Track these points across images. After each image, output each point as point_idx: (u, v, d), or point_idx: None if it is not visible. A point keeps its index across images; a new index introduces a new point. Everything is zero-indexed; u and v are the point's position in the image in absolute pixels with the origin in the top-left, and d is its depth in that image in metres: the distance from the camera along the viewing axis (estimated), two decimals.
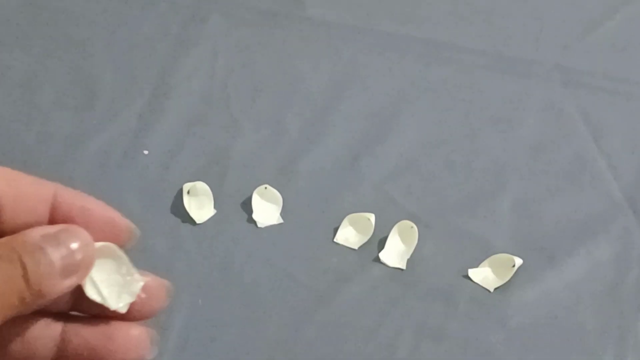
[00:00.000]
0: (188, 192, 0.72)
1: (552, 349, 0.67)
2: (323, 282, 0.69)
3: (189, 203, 0.72)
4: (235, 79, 0.81)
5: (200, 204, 0.72)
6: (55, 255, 0.33)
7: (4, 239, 0.33)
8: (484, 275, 0.70)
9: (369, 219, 0.71)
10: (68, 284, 0.33)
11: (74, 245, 0.33)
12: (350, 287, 0.69)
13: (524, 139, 0.78)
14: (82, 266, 0.34)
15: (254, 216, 0.72)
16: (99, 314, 0.36)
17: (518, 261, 0.69)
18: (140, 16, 0.84)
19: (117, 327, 0.36)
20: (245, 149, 0.76)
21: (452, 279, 0.70)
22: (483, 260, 0.70)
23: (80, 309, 0.36)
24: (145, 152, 0.75)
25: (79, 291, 0.35)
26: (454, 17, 0.86)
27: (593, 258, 0.71)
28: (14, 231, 0.34)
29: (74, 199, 0.35)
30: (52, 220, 0.35)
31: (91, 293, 0.35)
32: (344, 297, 0.68)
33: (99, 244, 0.35)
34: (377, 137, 0.77)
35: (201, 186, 0.72)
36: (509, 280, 0.69)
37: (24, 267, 0.32)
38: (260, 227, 0.71)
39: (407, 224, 0.71)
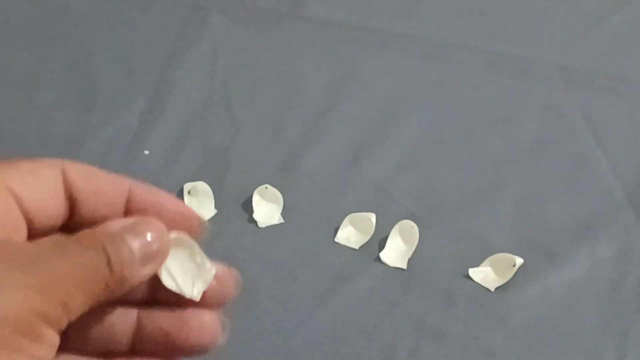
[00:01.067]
0: (189, 192, 0.72)
1: (552, 348, 0.67)
2: (323, 282, 0.69)
3: (189, 203, 0.72)
4: (235, 78, 0.81)
5: (200, 204, 0.72)
6: (135, 244, 0.34)
7: (86, 230, 0.35)
8: (484, 274, 0.70)
9: (369, 219, 0.71)
10: (147, 271, 0.35)
11: (151, 236, 0.35)
12: (350, 286, 0.69)
13: (524, 138, 0.78)
14: (159, 255, 0.36)
15: (255, 216, 0.72)
16: (173, 302, 0.37)
17: (519, 261, 0.69)
18: (141, 16, 0.84)
19: (190, 313, 0.37)
20: (246, 148, 0.76)
21: (452, 279, 0.70)
22: (484, 259, 0.70)
23: (155, 297, 0.38)
24: (146, 152, 0.75)
25: (153, 281, 0.36)
26: (454, 16, 0.86)
27: (594, 257, 0.71)
28: (92, 225, 0.36)
29: (147, 193, 0.38)
30: (127, 214, 0.37)
31: (167, 281, 0.36)
32: (344, 297, 0.68)
33: (173, 235, 0.37)
34: (377, 137, 0.77)
35: (202, 186, 0.72)
36: (509, 280, 0.69)
37: (107, 255, 0.33)
38: (261, 227, 0.71)
39: (407, 223, 0.71)
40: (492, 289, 0.69)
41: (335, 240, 0.71)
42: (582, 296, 0.69)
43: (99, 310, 0.36)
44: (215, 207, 0.72)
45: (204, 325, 0.37)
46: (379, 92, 0.81)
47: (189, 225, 0.38)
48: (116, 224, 0.35)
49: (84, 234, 0.34)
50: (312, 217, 0.72)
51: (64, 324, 0.32)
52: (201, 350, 0.37)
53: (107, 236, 0.34)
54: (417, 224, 0.71)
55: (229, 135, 0.77)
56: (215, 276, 0.38)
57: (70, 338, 0.35)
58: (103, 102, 0.78)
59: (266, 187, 0.72)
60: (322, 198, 0.73)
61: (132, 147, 0.75)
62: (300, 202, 0.73)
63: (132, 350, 0.37)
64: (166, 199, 0.38)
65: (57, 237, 0.36)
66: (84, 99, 0.79)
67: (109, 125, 0.77)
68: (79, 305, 0.33)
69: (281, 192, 0.72)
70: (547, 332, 0.67)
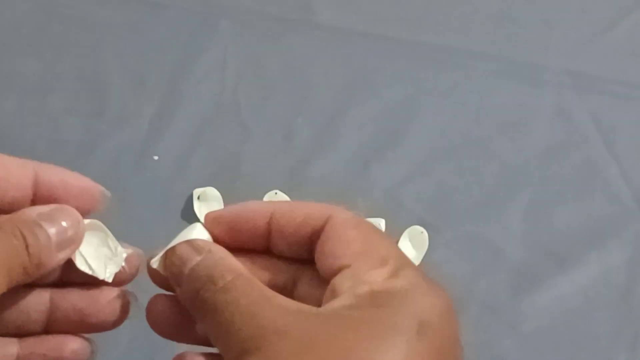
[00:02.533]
0: (198, 198, 0.72)
1: (563, 355, 0.67)
2: None
3: (199, 208, 0.72)
4: (245, 84, 0.81)
5: (210, 210, 0.72)
6: (51, 230, 0.37)
7: (4, 217, 0.37)
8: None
9: (379, 224, 0.71)
10: (62, 256, 0.37)
11: (66, 223, 0.37)
12: None
13: (534, 144, 0.78)
14: (74, 240, 0.38)
15: None
16: (85, 283, 0.39)
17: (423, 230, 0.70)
18: (151, 22, 0.84)
19: (100, 291, 0.40)
20: (256, 154, 0.76)
21: (463, 285, 0.69)
22: (494, 265, 0.70)
23: (67, 279, 0.40)
24: (156, 157, 0.75)
25: (66, 264, 0.39)
26: (464, 22, 0.86)
27: (604, 263, 0.71)
28: (1, 208, 0.38)
29: (52, 173, 0.39)
30: (36, 195, 0.39)
31: (81, 265, 0.39)
32: None
33: (86, 221, 0.39)
34: (387, 143, 0.77)
35: (211, 192, 0.72)
36: (520, 285, 0.69)
37: (25, 241, 0.35)
38: None
39: (417, 229, 0.71)
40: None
41: None
42: (593, 302, 0.69)
43: (13, 292, 0.37)
44: None
45: (114, 301, 0.40)
46: (389, 99, 0.80)
47: (92, 198, 0.40)
48: (33, 211, 0.37)
49: (2, 220, 0.36)
50: None
51: None
52: (112, 324, 0.40)
53: (25, 223, 0.36)
54: (427, 230, 0.71)
55: (239, 141, 0.77)
56: (125, 258, 0.40)
57: None
58: (113, 108, 0.79)
59: (276, 193, 0.72)
60: (332, 203, 0.73)
61: (142, 153, 0.75)
62: None
63: (47, 329, 0.40)
64: (69, 176, 0.40)
65: None
66: (95, 106, 0.79)
67: (119, 132, 0.77)
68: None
69: (291, 198, 0.72)
70: (558, 338, 0.67)
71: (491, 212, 0.74)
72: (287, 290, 0.39)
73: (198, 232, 0.39)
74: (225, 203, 0.72)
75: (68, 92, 0.80)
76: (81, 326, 0.40)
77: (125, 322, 0.41)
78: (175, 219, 0.72)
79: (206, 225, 0.40)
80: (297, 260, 0.40)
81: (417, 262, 0.70)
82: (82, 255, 0.39)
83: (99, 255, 0.39)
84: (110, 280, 0.39)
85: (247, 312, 0.34)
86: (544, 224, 0.73)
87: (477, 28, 0.86)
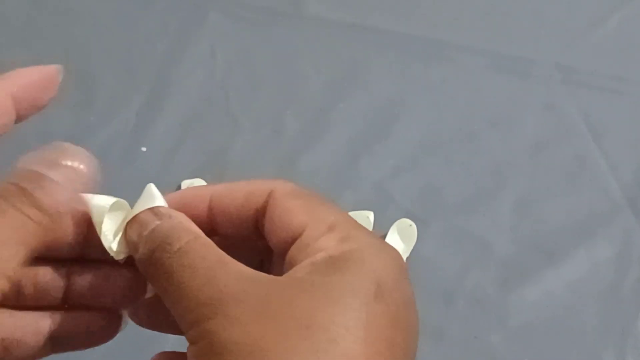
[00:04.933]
0: None
1: (552, 349, 0.67)
2: None
3: None
4: (234, 77, 0.80)
5: None
6: (54, 174, 0.36)
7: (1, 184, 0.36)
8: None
9: (367, 217, 0.71)
10: (77, 194, 0.37)
11: (69, 161, 0.37)
12: None
13: (523, 138, 0.78)
14: (84, 174, 0.37)
15: None
16: (102, 260, 0.38)
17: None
18: (139, 14, 0.84)
19: (117, 269, 0.38)
20: (244, 147, 0.76)
21: (451, 278, 0.69)
22: (483, 259, 0.70)
23: (86, 256, 0.39)
24: (144, 149, 0.75)
25: (84, 240, 0.38)
26: (454, 16, 0.86)
27: (593, 258, 0.71)
28: None
29: (18, 80, 0.39)
30: (16, 101, 0.39)
31: (104, 240, 0.37)
32: None
33: (112, 200, 0.38)
34: (376, 136, 0.77)
35: (200, 183, 0.72)
36: (509, 279, 0.69)
37: (28, 196, 0.35)
38: None
39: (405, 222, 0.71)
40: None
41: None
42: (582, 297, 0.69)
43: (32, 268, 0.37)
44: None
45: (129, 282, 0.38)
46: (379, 92, 0.80)
47: (50, 79, 0.40)
48: (29, 164, 0.36)
49: (13, 190, 0.35)
50: None
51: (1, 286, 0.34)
52: (128, 302, 0.39)
53: (25, 178, 0.35)
54: (416, 223, 0.71)
55: (228, 133, 0.77)
56: None
57: (5, 295, 0.36)
58: (101, 100, 0.78)
59: None
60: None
61: (131, 145, 0.75)
62: None
63: (66, 302, 0.39)
64: (26, 75, 0.40)
65: None
66: (83, 98, 0.79)
67: (108, 123, 0.77)
68: (15, 257, 0.34)
69: None
70: (546, 332, 0.67)
71: (480, 206, 0.74)
72: None
73: (159, 201, 0.38)
74: None
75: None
76: (97, 302, 0.39)
77: None
78: None
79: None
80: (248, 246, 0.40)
81: (405, 255, 0.70)
82: (105, 232, 0.38)
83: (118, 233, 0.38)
84: (122, 260, 0.38)
85: (205, 275, 0.33)
86: (533, 218, 0.73)
87: (467, 22, 0.86)
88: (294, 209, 0.37)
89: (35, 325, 0.38)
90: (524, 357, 0.66)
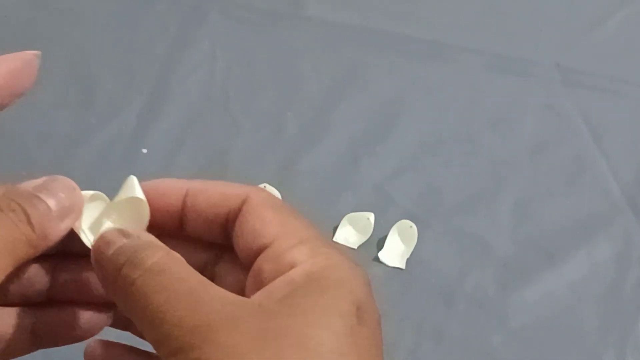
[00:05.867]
0: None
1: (552, 349, 0.67)
2: None
3: None
4: (234, 78, 0.80)
5: None
6: (50, 201, 0.36)
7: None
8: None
9: (368, 219, 0.71)
10: (64, 226, 0.36)
11: (62, 193, 0.36)
12: None
13: (523, 139, 0.78)
14: (73, 210, 0.37)
15: None
16: (85, 254, 0.37)
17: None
18: (139, 15, 0.84)
19: None
20: (245, 148, 0.76)
21: (452, 279, 0.69)
22: (483, 260, 0.70)
23: (68, 250, 0.39)
24: (144, 150, 0.75)
25: (66, 235, 0.37)
26: (454, 17, 0.86)
27: (593, 258, 0.71)
28: None
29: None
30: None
31: (82, 236, 0.37)
32: None
33: (89, 193, 0.38)
34: (376, 137, 0.77)
35: None
36: (509, 280, 0.69)
37: (26, 214, 0.34)
38: None
39: (406, 223, 0.71)
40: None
41: (334, 239, 0.71)
42: (582, 297, 0.69)
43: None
44: None
45: None
46: (379, 93, 0.80)
47: (29, 65, 0.40)
48: (28, 185, 0.36)
49: None
50: (310, 216, 0.71)
51: None
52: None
53: (21, 196, 0.35)
54: (416, 224, 0.71)
55: (228, 135, 0.77)
56: None
57: None
58: (102, 101, 0.78)
59: (265, 186, 0.72)
60: (321, 198, 0.73)
61: (131, 147, 0.75)
62: (299, 202, 0.72)
63: (50, 297, 0.39)
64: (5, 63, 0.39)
65: None
66: (83, 99, 0.79)
67: (108, 125, 0.77)
68: (3, 268, 0.33)
69: (280, 192, 0.72)
70: (546, 333, 0.67)
71: (480, 206, 0.74)
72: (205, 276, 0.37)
73: (139, 193, 0.38)
74: None
75: (57, 85, 0.80)
76: (81, 297, 0.39)
77: None
78: None
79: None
80: (212, 245, 0.39)
81: (406, 256, 0.70)
82: (82, 227, 0.37)
83: (100, 227, 0.38)
84: None
85: (188, 300, 0.32)
86: (533, 219, 0.73)
87: (467, 22, 0.86)
88: (267, 218, 0.37)
89: (19, 321, 0.38)
90: (525, 358, 0.66)
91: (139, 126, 0.76)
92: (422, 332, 0.67)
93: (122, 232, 0.36)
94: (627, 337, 0.67)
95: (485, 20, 0.86)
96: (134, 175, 0.39)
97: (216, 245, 0.39)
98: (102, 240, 0.36)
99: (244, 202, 0.38)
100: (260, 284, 0.35)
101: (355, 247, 0.70)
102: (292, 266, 0.35)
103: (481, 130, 0.78)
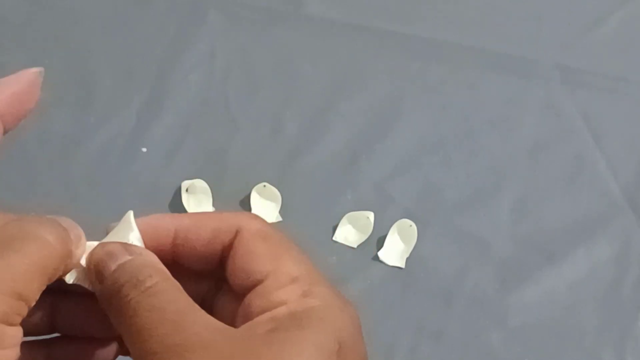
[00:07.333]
0: (187, 190, 0.72)
1: (552, 349, 0.67)
2: None
3: (187, 201, 0.71)
4: (233, 77, 0.80)
5: (198, 202, 0.72)
6: (64, 225, 0.35)
7: (28, 217, 0.35)
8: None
9: (368, 218, 0.71)
10: (80, 251, 0.36)
11: (69, 225, 0.36)
12: (348, 285, 0.68)
13: (523, 138, 0.78)
14: (81, 238, 0.36)
15: None
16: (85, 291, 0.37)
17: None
18: (139, 15, 0.84)
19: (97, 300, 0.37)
20: (244, 147, 0.76)
21: (451, 278, 0.69)
22: (482, 259, 0.70)
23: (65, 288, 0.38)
24: (144, 149, 0.75)
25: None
26: (454, 16, 0.86)
27: (593, 258, 0.71)
28: None
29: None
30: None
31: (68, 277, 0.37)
32: None
33: (93, 243, 0.37)
34: (376, 136, 0.77)
35: (200, 184, 0.72)
36: (508, 280, 0.69)
37: (55, 230, 0.34)
38: None
39: (406, 222, 0.71)
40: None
41: (334, 239, 0.71)
42: (581, 296, 0.69)
43: None
44: (214, 205, 0.72)
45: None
46: (378, 92, 0.80)
47: (32, 85, 0.40)
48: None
49: (28, 220, 0.35)
50: (310, 215, 0.72)
51: (23, 313, 0.33)
52: (114, 332, 0.37)
53: (43, 221, 0.35)
54: (415, 223, 0.71)
55: (228, 134, 0.77)
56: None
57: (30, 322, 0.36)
58: (101, 100, 0.78)
59: (264, 186, 0.72)
60: (321, 197, 0.73)
61: (131, 146, 0.75)
62: (299, 201, 0.73)
63: (53, 332, 0.39)
64: (8, 86, 0.38)
65: None
66: (83, 98, 0.79)
67: (108, 124, 0.77)
68: (36, 289, 0.33)
69: (279, 191, 0.72)
70: (545, 332, 0.67)
71: (480, 206, 0.74)
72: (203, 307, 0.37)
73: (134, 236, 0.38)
74: (214, 195, 0.72)
75: (56, 84, 0.79)
76: (84, 333, 0.39)
77: None
78: (164, 211, 0.71)
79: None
80: (212, 274, 0.39)
81: (406, 255, 0.70)
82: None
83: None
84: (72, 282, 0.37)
85: (173, 320, 0.33)
86: (532, 219, 0.73)
87: (467, 22, 0.86)
88: (258, 253, 0.36)
89: (29, 355, 0.37)
90: (524, 357, 0.66)
91: (139, 125, 0.76)
92: (421, 331, 0.67)
93: (126, 248, 0.36)
94: (627, 337, 0.67)
95: (485, 19, 0.86)
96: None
97: (216, 273, 0.39)
98: (106, 253, 0.36)
99: (235, 235, 0.37)
100: (247, 317, 0.35)
101: (355, 246, 0.70)
102: (281, 305, 0.35)
103: (480, 129, 0.78)
